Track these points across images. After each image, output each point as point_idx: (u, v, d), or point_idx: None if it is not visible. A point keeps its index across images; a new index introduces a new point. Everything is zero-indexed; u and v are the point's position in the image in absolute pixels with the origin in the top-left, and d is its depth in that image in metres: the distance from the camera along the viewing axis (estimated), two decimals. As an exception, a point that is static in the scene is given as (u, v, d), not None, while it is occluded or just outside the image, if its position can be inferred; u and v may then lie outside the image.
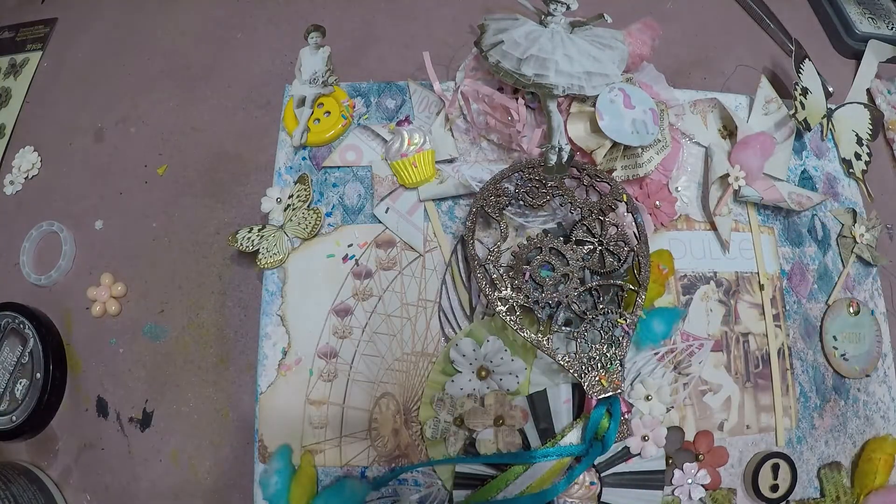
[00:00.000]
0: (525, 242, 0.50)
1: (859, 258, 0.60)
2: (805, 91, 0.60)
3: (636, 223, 0.52)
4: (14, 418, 0.56)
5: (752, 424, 0.53)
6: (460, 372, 0.50)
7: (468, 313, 0.53)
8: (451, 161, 0.56)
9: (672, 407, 0.52)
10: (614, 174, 0.54)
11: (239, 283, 0.59)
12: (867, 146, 0.64)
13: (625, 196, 0.52)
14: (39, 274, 0.61)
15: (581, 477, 0.49)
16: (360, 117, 0.58)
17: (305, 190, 0.55)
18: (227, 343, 0.58)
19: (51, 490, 0.55)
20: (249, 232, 0.55)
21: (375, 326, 0.52)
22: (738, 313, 0.56)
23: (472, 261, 0.50)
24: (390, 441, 0.50)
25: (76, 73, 0.71)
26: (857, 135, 0.64)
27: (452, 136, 0.57)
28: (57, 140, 0.67)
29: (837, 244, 0.60)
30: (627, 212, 0.52)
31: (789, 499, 0.52)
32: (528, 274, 0.49)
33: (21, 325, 0.57)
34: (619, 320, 0.49)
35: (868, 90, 0.68)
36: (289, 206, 0.55)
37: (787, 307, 0.57)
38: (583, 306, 0.49)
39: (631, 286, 0.50)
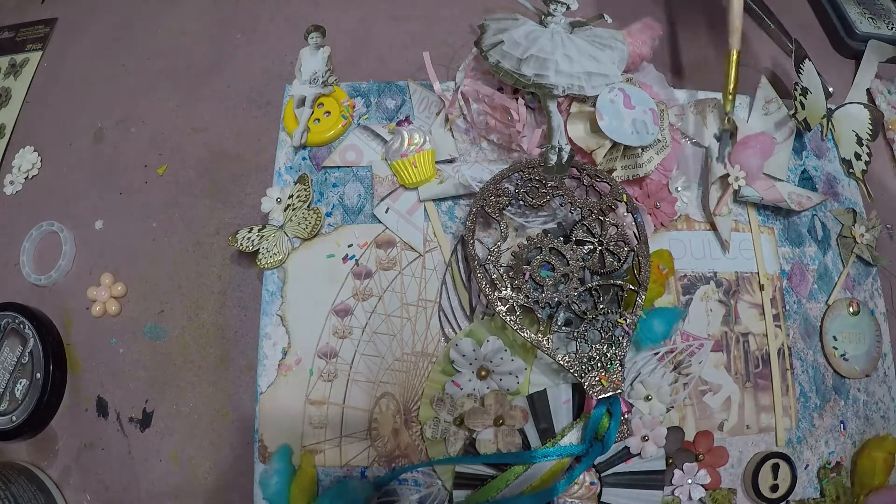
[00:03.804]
0: (525, 242, 0.50)
1: (859, 258, 0.60)
2: (805, 91, 0.60)
3: (636, 223, 0.52)
4: (14, 418, 0.56)
5: (752, 424, 0.54)
6: (460, 372, 0.50)
7: (468, 313, 0.53)
8: (451, 161, 0.56)
9: (672, 407, 0.52)
10: (614, 174, 0.54)
11: (239, 283, 0.59)
12: (867, 146, 0.64)
13: (625, 196, 0.52)
14: (39, 274, 0.61)
15: (581, 477, 0.49)
16: (360, 117, 0.58)
17: (305, 190, 0.55)
18: (227, 343, 0.58)
19: (51, 490, 0.55)
20: (249, 232, 0.55)
21: (375, 326, 0.52)
22: (738, 313, 0.56)
23: (472, 261, 0.50)
24: (390, 441, 0.50)
25: (76, 73, 0.71)
26: (857, 135, 0.64)
27: (452, 136, 0.57)
28: (57, 140, 0.67)
29: (837, 244, 0.60)
30: (627, 212, 0.52)
31: (789, 499, 0.52)
32: (528, 274, 0.49)
33: (21, 325, 0.57)
34: (619, 320, 0.49)
35: (868, 90, 0.68)
36: (289, 206, 0.55)
37: (787, 307, 0.57)
38: (583, 306, 0.49)
39: (631, 286, 0.50)
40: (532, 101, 0.56)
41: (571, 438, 0.48)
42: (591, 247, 0.50)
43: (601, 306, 0.49)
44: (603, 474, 0.50)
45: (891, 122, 0.68)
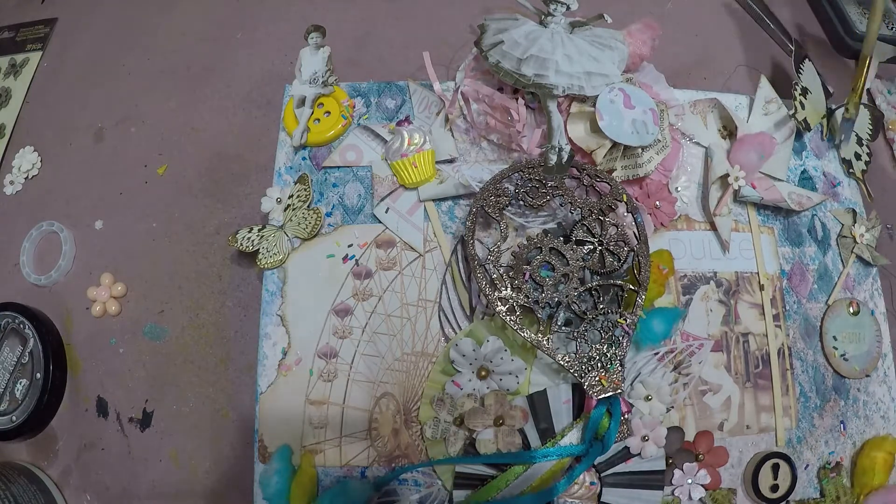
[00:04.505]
0: (525, 242, 0.50)
1: (859, 258, 0.60)
2: (805, 91, 0.60)
3: (636, 223, 0.52)
4: (14, 418, 0.56)
5: (752, 424, 0.54)
6: (460, 372, 0.50)
7: (468, 313, 0.53)
8: (451, 161, 0.56)
9: (672, 407, 0.52)
10: (614, 174, 0.54)
11: (239, 283, 0.59)
12: (867, 146, 0.64)
13: (625, 196, 0.52)
14: (39, 274, 0.61)
15: (581, 477, 0.49)
16: (360, 117, 0.58)
17: (305, 190, 0.55)
18: (227, 343, 0.58)
19: (51, 490, 0.55)
20: (249, 232, 0.55)
21: (375, 326, 0.52)
22: (738, 313, 0.56)
23: (472, 261, 0.50)
24: (390, 441, 0.50)
25: (76, 73, 0.71)
26: (857, 135, 0.64)
27: (452, 136, 0.57)
28: (57, 140, 0.67)
29: (837, 244, 0.60)
30: (627, 212, 0.52)
31: (789, 499, 0.52)
32: (528, 274, 0.49)
33: (21, 325, 0.57)
34: (619, 320, 0.49)
35: (868, 90, 0.68)
36: (289, 206, 0.55)
37: (787, 307, 0.57)
38: (583, 306, 0.49)
39: (631, 286, 0.50)
40: (532, 101, 0.56)
41: (571, 438, 0.48)
42: (591, 247, 0.50)
43: (601, 306, 0.49)
44: (603, 474, 0.50)
45: (891, 122, 0.69)
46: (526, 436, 0.49)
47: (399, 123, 0.58)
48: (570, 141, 0.54)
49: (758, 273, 0.57)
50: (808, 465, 0.54)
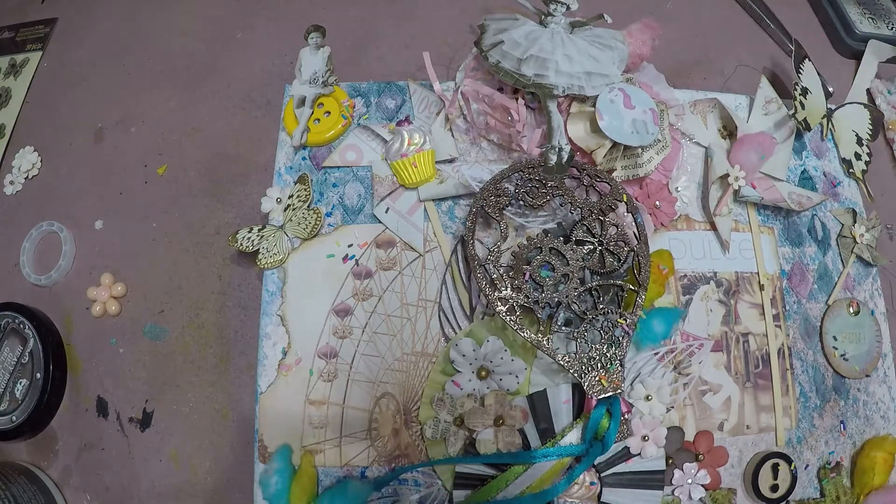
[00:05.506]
0: (525, 242, 0.50)
1: (859, 258, 0.60)
2: (805, 91, 0.60)
3: (636, 223, 0.52)
4: (14, 418, 0.56)
5: (752, 424, 0.54)
6: (460, 372, 0.50)
7: (468, 313, 0.53)
8: (451, 161, 0.56)
9: (672, 407, 0.52)
10: (614, 174, 0.54)
11: (239, 283, 0.59)
12: (867, 146, 0.64)
13: (625, 196, 0.52)
14: (39, 274, 0.61)
15: (581, 477, 0.49)
16: (360, 117, 0.58)
17: (305, 190, 0.55)
18: (227, 343, 0.58)
19: (51, 490, 0.55)
20: (249, 232, 0.55)
21: (375, 326, 0.52)
22: (738, 313, 0.56)
23: (472, 261, 0.50)
24: (390, 441, 0.50)
25: (76, 73, 0.71)
26: (857, 135, 0.64)
27: (452, 136, 0.57)
28: (57, 140, 0.67)
29: (837, 244, 0.60)
30: (627, 212, 0.52)
31: (789, 499, 0.52)
32: (528, 274, 0.49)
33: (21, 325, 0.57)
34: (619, 320, 0.49)
35: (868, 90, 0.68)
36: (289, 206, 0.55)
37: (787, 307, 0.57)
38: (583, 306, 0.49)
39: (631, 286, 0.50)
40: (532, 101, 0.56)
41: (571, 438, 0.48)
42: (591, 247, 0.50)
43: (601, 306, 0.49)
44: (603, 474, 0.50)
45: (891, 122, 0.69)
46: (526, 436, 0.49)
47: (399, 123, 0.58)
48: (570, 141, 0.54)
49: (758, 273, 0.57)
50: (808, 465, 0.54)
